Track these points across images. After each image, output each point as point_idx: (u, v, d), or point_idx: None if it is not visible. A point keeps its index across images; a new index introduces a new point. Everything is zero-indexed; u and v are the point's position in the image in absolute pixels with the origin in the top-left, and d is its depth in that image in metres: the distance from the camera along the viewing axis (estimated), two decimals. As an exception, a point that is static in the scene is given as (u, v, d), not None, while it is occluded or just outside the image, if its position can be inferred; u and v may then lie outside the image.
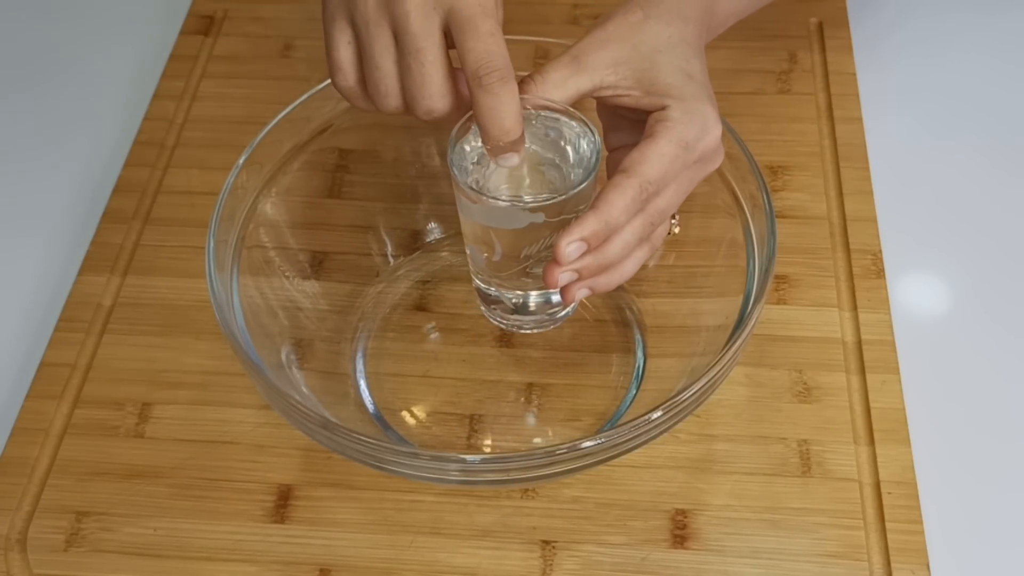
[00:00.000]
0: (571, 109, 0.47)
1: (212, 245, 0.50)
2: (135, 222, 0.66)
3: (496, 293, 0.53)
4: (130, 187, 0.68)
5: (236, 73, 0.75)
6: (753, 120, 0.69)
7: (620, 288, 0.61)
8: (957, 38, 0.76)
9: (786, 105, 0.70)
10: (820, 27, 0.75)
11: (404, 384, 0.58)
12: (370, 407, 0.57)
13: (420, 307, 0.61)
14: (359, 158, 0.63)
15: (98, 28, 0.81)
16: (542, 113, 0.47)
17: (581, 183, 0.45)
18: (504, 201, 0.46)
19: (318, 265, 0.60)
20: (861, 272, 0.61)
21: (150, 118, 0.72)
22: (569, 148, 0.48)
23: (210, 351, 0.60)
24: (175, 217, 0.66)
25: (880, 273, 0.61)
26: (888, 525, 0.52)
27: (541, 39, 0.58)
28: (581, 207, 0.46)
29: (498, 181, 0.48)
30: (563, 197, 0.45)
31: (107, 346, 0.60)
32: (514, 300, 0.53)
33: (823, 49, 0.73)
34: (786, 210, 0.64)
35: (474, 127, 0.47)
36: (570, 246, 0.44)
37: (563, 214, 0.46)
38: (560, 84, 0.46)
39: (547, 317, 0.55)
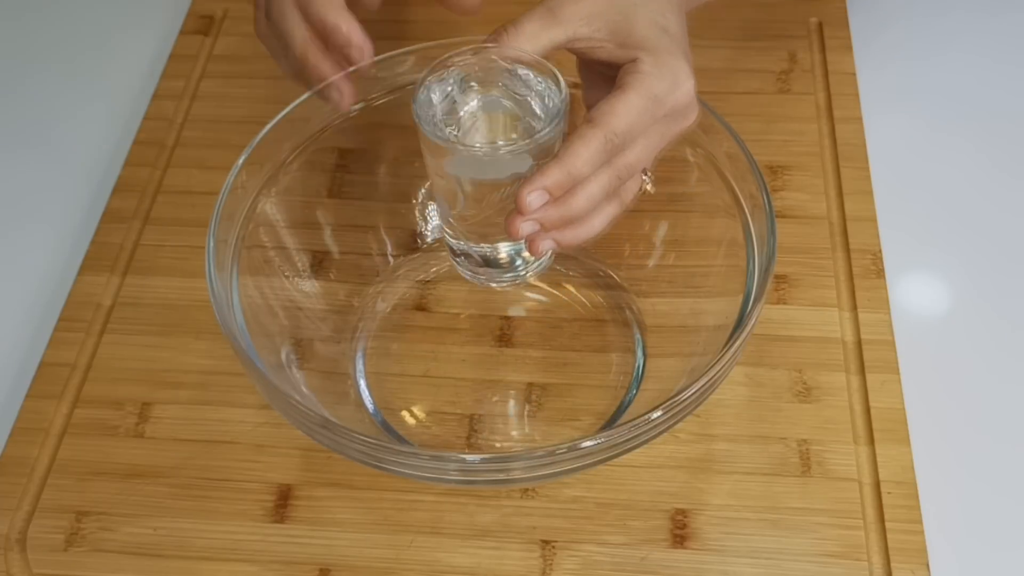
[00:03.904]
0: (542, 61, 0.46)
1: (212, 245, 0.50)
2: (135, 222, 0.66)
3: (464, 246, 0.52)
4: (130, 187, 0.68)
5: (236, 73, 0.75)
6: (753, 120, 0.69)
7: (620, 288, 0.61)
8: (957, 38, 0.76)
9: (786, 105, 0.70)
10: (820, 27, 0.75)
11: (404, 384, 0.58)
12: (370, 407, 0.57)
13: (420, 307, 0.61)
14: (359, 158, 0.63)
15: (98, 28, 0.81)
16: (513, 67, 0.47)
17: (545, 131, 0.45)
18: (465, 147, 0.45)
19: (318, 265, 0.60)
20: (861, 272, 0.61)
21: (150, 118, 0.72)
22: (537, 101, 0.47)
23: (210, 351, 0.60)
24: (175, 217, 0.66)
25: (880, 273, 0.61)
26: (888, 525, 0.52)
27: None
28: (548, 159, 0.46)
29: (472, 133, 0.47)
30: (525, 145, 0.44)
31: (107, 346, 0.60)
32: (481, 253, 0.52)
33: (823, 49, 0.73)
34: (786, 210, 0.64)
35: (443, 76, 0.47)
36: (531, 195, 0.43)
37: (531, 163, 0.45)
38: (534, 36, 0.46)
39: (517, 272, 0.53)
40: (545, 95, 0.47)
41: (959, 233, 0.65)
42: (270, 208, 0.56)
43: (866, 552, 0.51)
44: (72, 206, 0.69)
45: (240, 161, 0.53)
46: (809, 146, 0.68)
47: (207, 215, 0.51)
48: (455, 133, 0.47)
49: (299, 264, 0.59)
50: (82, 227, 0.67)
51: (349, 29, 0.49)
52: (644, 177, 0.49)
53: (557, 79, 0.46)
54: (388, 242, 0.63)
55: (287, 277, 0.58)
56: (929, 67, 0.74)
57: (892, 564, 0.51)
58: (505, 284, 0.55)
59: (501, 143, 0.46)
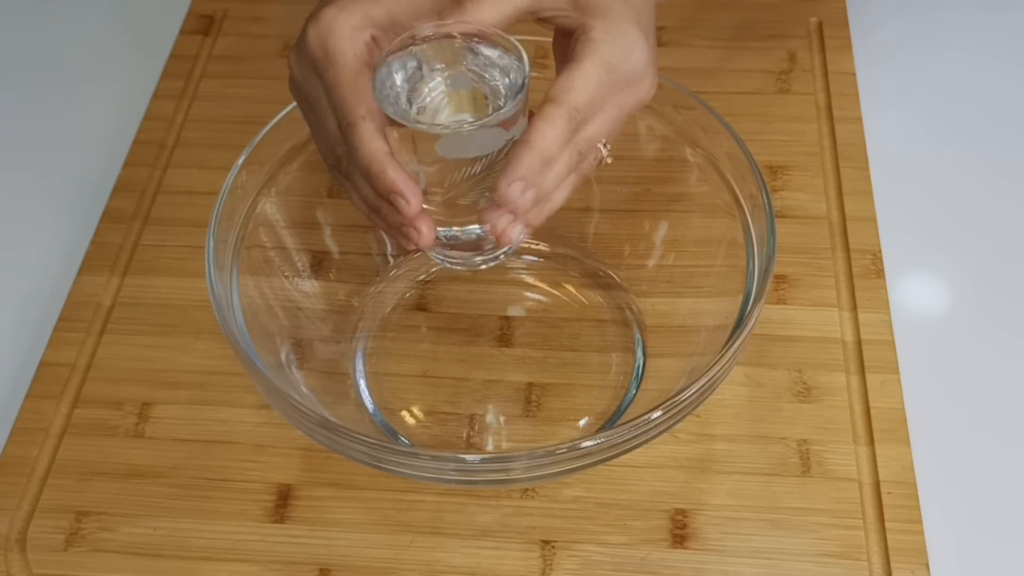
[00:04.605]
0: (506, 37, 0.45)
1: (212, 245, 0.50)
2: (135, 222, 0.66)
3: None
4: (130, 187, 0.68)
5: (236, 73, 0.75)
6: (753, 120, 0.69)
7: (620, 288, 0.61)
8: (957, 37, 0.76)
9: (786, 105, 0.70)
10: (820, 27, 0.75)
11: (404, 384, 0.58)
12: (370, 407, 0.57)
13: (420, 307, 0.61)
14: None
15: (98, 27, 0.81)
16: (476, 45, 0.46)
17: (507, 106, 0.44)
18: (426, 124, 0.44)
19: (318, 265, 0.60)
20: (861, 272, 0.61)
21: (150, 118, 0.72)
22: (501, 79, 0.46)
23: (210, 351, 0.60)
24: (175, 217, 0.66)
25: (880, 273, 0.61)
26: (888, 525, 0.52)
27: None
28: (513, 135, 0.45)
29: (438, 112, 0.46)
30: (489, 119, 0.43)
31: (107, 346, 0.60)
32: (450, 235, 0.50)
33: (823, 49, 0.73)
34: (786, 210, 0.64)
35: (403, 55, 0.46)
36: (512, 187, 0.43)
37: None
38: (497, 3, 0.45)
39: (485, 255, 0.52)
40: (509, 70, 0.45)
41: (959, 233, 0.65)
42: (270, 208, 0.56)
43: (866, 552, 0.51)
44: (72, 206, 0.69)
45: (240, 161, 0.53)
46: (809, 146, 0.68)
47: (207, 215, 0.51)
48: (419, 111, 0.45)
49: (299, 264, 0.59)
50: (82, 227, 0.67)
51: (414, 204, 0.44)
52: (603, 149, 0.48)
53: (520, 54, 0.45)
54: (388, 242, 0.63)
55: (287, 277, 0.58)
56: (929, 67, 0.74)
57: (892, 564, 0.51)
58: (479, 266, 0.53)
59: (466, 120, 0.45)
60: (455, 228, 0.50)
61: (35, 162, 0.72)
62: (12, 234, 0.68)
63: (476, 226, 0.50)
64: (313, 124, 0.47)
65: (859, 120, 0.69)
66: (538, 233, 0.63)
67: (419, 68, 0.46)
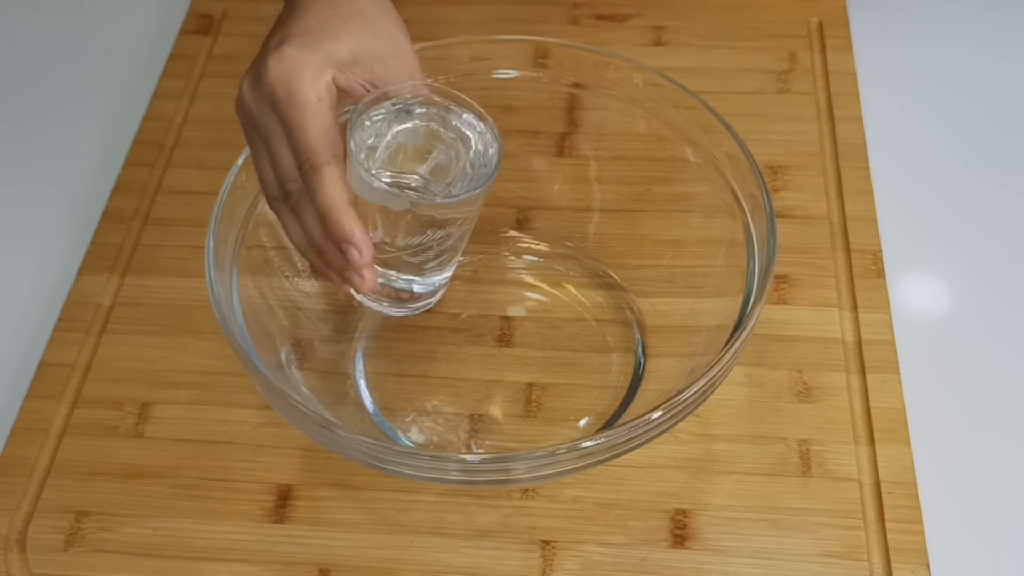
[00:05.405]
0: (480, 109, 0.46)
1: (212, 245, 0.50)
2: (135, 222, 0.66)
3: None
4: (130, 187, 0.68)
5: (236, 73, 0.73)
6: (753, 120, 0.69)
7: (620, 288, 0.61)
8: (958, 37, 0.76)
9: (786, 105, 0.70)
10: (820, 27, 0.75)
11: (404, 384, 0.58)
12: (370, 407, 0.57)
13: (420, 307, 0.61)
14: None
15: (98, 27, 0.81)
16: (453, 107, 0.47)
17: (474, 190, 0.45)
18: (386, 188, 0.44)
19: (318, 265, 0.60)
20: (861, 272, 0.61)
21: (150, 118, 0.72)
22: (472, 142, 0.47)
23: (210, 351, 0.60)
24: (175, 217, 0.66)
25: (880, 273, 0.61)
26: (888, 525, 0.52)
27: (541, 39, 0.58)
28: (465, 211, 0.45)
29: (397, 158, 0.47)
30: (451, 200, 0.44)
31: (107, 346, 0.60)
32: (385, 283, 0.51)
33: (823, 49, 0.73)
34: (786, 210, 0.64)
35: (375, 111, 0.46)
36: None
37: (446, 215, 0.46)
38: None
39: (408, 307, 0.52)
40: (486, 136, 0.47)
41: (959, 233, 0.65)
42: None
43: (866, 552, 0.51)
44: (72, 206, 0.69)
45: (240, 161, 0.53)
46: (809, 146, 0.68)
47: (207, 215, 0.51)
48: (382, 166, 0.47)
49: (299, 264, 0.59)
50: (82, 227, 0.67)
51: (363, 252, 0.45)
52: None
53: (495, 132, 0.46)
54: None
55: (287, 277, 0.58)
56: (930, 66, 0.74)
57: (892, 564, 0.51)
58: (407, 314, 0.53)
59: (453, 192, 0.46)
60: (402, 278, 0.50)
61: (35, 162, 0.72)
62: (12, 234, 0.68)
63: (421, 281, 0.51)
64: (259, 155, 0.48)
65: (859, 120, 0.69)
66: (538, 233, 0.63)
67: (392, 114, 0.47)
